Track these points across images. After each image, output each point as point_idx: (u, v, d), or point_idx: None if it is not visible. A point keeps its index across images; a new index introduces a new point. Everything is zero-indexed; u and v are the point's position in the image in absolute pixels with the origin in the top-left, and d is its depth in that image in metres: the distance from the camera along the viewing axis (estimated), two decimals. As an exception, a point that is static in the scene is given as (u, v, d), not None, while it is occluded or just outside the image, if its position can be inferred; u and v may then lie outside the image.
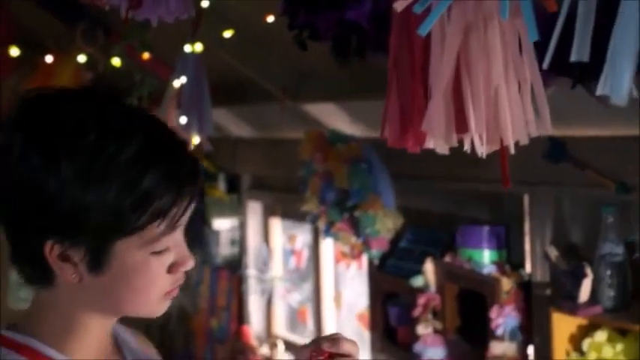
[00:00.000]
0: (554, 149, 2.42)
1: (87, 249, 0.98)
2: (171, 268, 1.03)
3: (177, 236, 1.04)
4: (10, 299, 4.89)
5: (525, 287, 2.64)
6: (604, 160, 2.34)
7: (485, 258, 2.74)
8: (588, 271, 2.30)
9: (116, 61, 2.60)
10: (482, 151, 1.18)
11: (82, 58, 3.06)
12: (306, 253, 3.98)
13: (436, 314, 2.94)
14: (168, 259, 1.03)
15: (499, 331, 2.62)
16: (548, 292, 2.57)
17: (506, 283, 2.63)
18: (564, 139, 2.40)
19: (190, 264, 1.05)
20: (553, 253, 2.45)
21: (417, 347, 2.95)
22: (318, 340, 1.09)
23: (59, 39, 3.49)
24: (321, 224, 3.19)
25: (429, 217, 3.15)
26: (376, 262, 3.21)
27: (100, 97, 1.03)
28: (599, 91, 1.07)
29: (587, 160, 2.36)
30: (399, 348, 3.15)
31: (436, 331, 2.93)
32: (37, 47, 3.63)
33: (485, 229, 2.74)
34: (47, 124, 0.98)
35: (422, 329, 2.94)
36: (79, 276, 0.99)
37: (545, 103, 1.20)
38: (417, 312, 2.95)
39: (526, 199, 2.65)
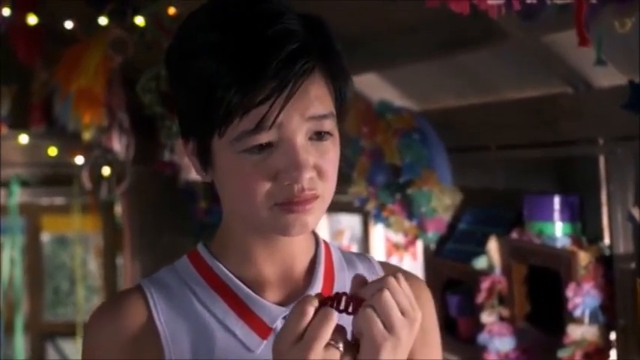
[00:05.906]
0: (636, 97, 2.11)
1: (195, 146, 1.02)
2: (275, 175, 0.96)
3: (286, 141, 0.96)
4: (47, 314, 5.05)
5: (606, 262, 2.32)
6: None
7: (558, 231, 2.42)
8: (684, 230, 1.99)
9: (140, 21, 2.37)
10: None
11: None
12: (354, 249, 3.69)
13: (502, 300, 2.62)
14: (268, 161, 0.96)
15: (577, 313, 2.30)
16: (632, 265, 2.25)
17: (584, 257, 2.31)
18: (646, 85, 2.09)
19: (297, 174, 0.94)
20: (638, 213, 2.13)
21: (482, 338, 2.63)
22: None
23: (84, 25, 3.30)
24: (371, 208, 2.90)
25: (489, 195, 2.84)
26: (433, 246, 2.90)
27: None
28: None
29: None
30: (460, 342, 2.83)
31: (503, 319, 2.61)
32: (61, 39, 3.47)
33: (556, 198, 2.43)
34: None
35: (486, 317, 2.62)
36: (203, 172, 1.04)
37: None
38: (480, 298, 2.63)
39: (601, 160, 2.34)
